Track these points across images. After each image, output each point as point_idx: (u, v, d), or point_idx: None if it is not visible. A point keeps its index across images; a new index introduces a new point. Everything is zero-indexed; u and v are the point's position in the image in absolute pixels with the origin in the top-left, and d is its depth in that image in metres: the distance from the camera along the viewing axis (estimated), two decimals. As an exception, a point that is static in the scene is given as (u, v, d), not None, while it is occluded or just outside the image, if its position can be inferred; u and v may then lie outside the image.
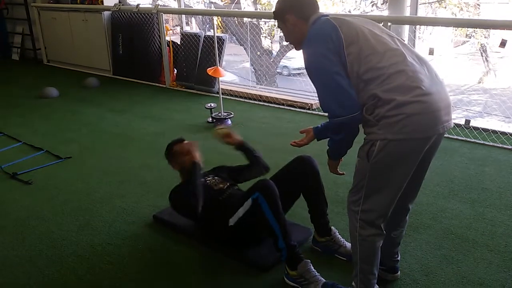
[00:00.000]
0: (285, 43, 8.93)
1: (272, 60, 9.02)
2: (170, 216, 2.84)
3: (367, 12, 8.40)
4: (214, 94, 5.91)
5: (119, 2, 7.05)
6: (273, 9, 2.06)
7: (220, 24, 8.35)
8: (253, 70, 8.33)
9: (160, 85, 6.59)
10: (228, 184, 2.63)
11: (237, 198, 2.41)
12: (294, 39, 2.02)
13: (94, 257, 2.55)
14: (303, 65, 1.94)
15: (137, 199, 3.18)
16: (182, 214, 2.59)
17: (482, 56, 6.87)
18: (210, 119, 4.79)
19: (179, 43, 6.43)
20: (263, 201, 2.19)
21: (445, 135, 1.88)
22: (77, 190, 3.36)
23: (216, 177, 2.68)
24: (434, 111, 1.74)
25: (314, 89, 1.91)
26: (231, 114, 4.79)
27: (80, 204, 3.14)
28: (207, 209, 2.48)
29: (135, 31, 6.74)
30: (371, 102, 1.77)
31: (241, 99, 5.74)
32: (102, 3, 7.09)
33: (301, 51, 1.96)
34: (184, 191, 2.47)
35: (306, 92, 5.76)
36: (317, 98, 1.95)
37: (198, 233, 2.63)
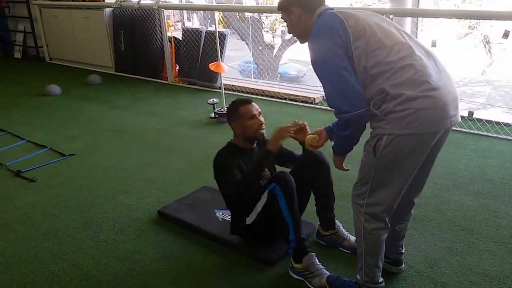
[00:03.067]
0: (287, 37, 8.90)
1: (274, 54, 9.00)
2: (174, 211, 2.85)
3: (369, 5, 8.36)
4: (216, 90, 5.90)
5: (120, -2, 7.05)
6: (278, 1, 2.02)
7: (221, 19, 8.33)
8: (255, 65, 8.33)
9: (163, 81, 6.59)
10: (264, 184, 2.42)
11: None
12: (298, 32, 1.99)
13: (99, 253, 2.56)
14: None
15: (141, 195, 3.19)
16: (220, 185, 2.42)
17: (485, 47, 6.83)
18: (213, 114, 4.79)
19: (180, 39, 6.43)
20: (279, 192, 2.17)
21: (448, 127, 1.86)
22: (81, 187, 3.37)
23: (266, 170, 2.44)
24: (442, 106, 1.72)
25: (316, 83, 1.90)
26: (234, 109, 4.78)
27: (85, 201, 3.15)
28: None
29: (137, 28, 6.74)
30: (379, 96, 1.75)
31: (243, 94, 5.74)
32: (103, 0, 7.08)
33: (306, 44, 1.94)
34: (235, 170, 2.27)
35: (308, 86, 5.76)
36: (320, 92, 1.95)
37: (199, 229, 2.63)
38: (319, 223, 2.54)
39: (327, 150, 2.18)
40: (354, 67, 1.78)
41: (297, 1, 1.93)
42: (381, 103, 1.75)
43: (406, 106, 1.70)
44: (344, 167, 2.10)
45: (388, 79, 1.73)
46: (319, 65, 1.84)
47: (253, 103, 2.44)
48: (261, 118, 2.41)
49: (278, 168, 2.50)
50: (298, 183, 2.32)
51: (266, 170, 2.45)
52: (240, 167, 2.32)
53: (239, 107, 2.41)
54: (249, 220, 2.35)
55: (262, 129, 2.40)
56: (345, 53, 1.77)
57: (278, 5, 2.02)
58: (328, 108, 5.00)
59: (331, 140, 2.16)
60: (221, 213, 2.76)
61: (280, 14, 2.03)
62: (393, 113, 1.72)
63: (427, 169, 2.00)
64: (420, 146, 1.78)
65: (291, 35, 2.07)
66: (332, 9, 1.91)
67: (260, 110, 2.45)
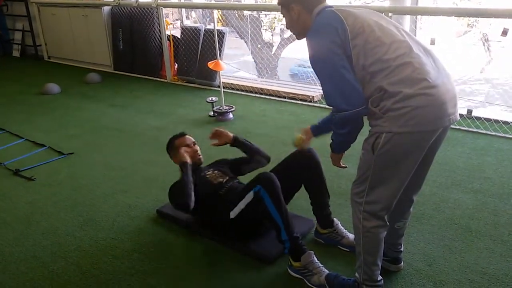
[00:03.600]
0: (285, 35, 8.89)
1: (273, 53, 8.99)
2: (173, 210, 2.84)
3: (368, 3, 8.35)
4: (215, 88, 5.90)
5: (119, -4, 7.03)
6: None
7: (220, 18, 8.32)
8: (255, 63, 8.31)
9: (161, 79, 6.59)
10: (227, 177, 2.63)
11: (237, 191, 2.41)
12: (297, 29, 2.00)
13: (98, 252, 2.56)
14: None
15: (140, 194, 3.19)
16: (179, 209, 2.58)
17: (484, 45, 6.82)
18: (212, 113, 4.79)
19: (179, 37, 6.42)
20: (264, 194, 2.19)
21: (447, 126, 1.86)
22: (80, 185, 3.37)
23: (216, 171, 2.68)
24: (441, 104, 1.72)
25: (315, 81, 1.90)
26: (233, 107, 4.79)
27: (84, 200, 3.15)
28: (207, 204, 2.49)
29: (135, 26, 6.73)
30: (377, 94, 1.75)
31: (242, 93, 5.73)
32: (102, -2, 7.07)
33: (304, 42, 1.94)
34: (178, 189, 2.47)
35: (307, 84, 5.75)
36: (318, 91, 1.97)
37: (200, 226, 2.64)
38: (317, 221, 2.54)
39: (322, 149, 2.18)
40: (353, 65, 1.78)
41: None
42: (380, 101, 1.75)
43: (404, 104, 1.70)
44: (342, 165, 2.10)
45: (386, 77, 1.73)
46: (318, 64, 1.84)
47: (187, 136, 2.76)
48: (196, 147, 2.72)
49: (250, 175, 2.56)
50: (288, 181, 2.35)
51: (215, 171, 2.66)
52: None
53: (174, 140, 2.75)
54: (233, 214, 2.36)
55: (198, 156, 2.69)
56: (343, 52, 1.77)
57: (278, 0, 2.02)
58: (327, 106, 5.01)
59: (315, 137, 2.21)
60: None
61: (280, 10, 2.03)
62: (391, 111, 1.72)
63: (426, 167, 2.00)
64: (418, 144, 1.78)
65: (289, 31, 2.08)
66: (331, 7, 1.91)
67: (193, 140, 2.76)
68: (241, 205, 2.31)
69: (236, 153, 2.83)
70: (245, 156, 2.79)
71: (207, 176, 2.62)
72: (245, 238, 2.49)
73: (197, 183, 2.50)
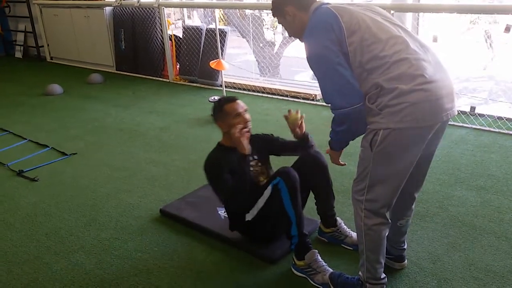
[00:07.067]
0: (287, 34, 8.87)
1: (275, 51, 8.97)
2: (176, 209, 2.85)
3: (370, 1, 8.32)
4: (217, 87, 5.90)
5: (120, -3, 7.04)
6: (271, 7, 2.03)
7: (222, 17, 8.30)
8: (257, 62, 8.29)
9: (164, 79, 6.59)
10: (266, 177, 2.45)
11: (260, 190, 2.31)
12: (296, 31, 1.99)
13: (101, 252, 2.56)
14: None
15: (143, 194, 3.19)
16: (214, 190, 2.42)
17: (486, 42, 6.79)
18: (214, 112, 4.78)
19: (181, 37, 6.43)
20: (283, 186, 2.17)
21: (450, 123, 1.86)
22: (83, 186, 3.37)
23: (259, 164, 2.47)
24: (437, 99, 1.72)
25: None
26: (235, 106, 4.77)
27: (87, 200, 3.15)
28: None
29: (137, 26, 6.73)
30: (374, 91, 1.75)
31: (244, 92, 5.73)
32: (104, -1, 7.07)
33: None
34: (226, 176, 2.29)
35: (309, 83, 5.74)
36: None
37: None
38: (320, 220, 2.54)
39: (325, 148, 2.17)
40: (350, 62, 1.78)
41: (290, 0, 1.93)
42: (376, 97, 1.75)
43: (401, 100, 1.70)
44: (341, 162, 2.09)
45: (383, 73, 1.73)
46: (314, 61, 1.84)
47: (239, 101, 2.41)
48: (247, 116, 2.39)
49: (277, 160, 2.48)
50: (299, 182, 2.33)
51: (259, 164, 2.44)
52: (232, 169, 2.31)
53: (224, 105, 2.39)
54: (249, 216, 2.34)
55: (247, 126, 2.37)
56: (340, 49, 1.77)
57: (272, 10, 2.02)
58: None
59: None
60: (223, 211, 2.76)
61: (277, 20, 2.02)
62: (388, 107, 1.72)
63: (426, 163, 1.99)
64: (416, 140, 1.78)
65: (292, 37, 2.07)
66: (327, 4, 1.90)
67: (246, 107, 2.42)
68: (260, 203, 2.28)
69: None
70: (290, 141, 2.54)
71: (251, 168, 2.39)
72: (258, 241, 2.47)
73: (238, 173, 2.29)
